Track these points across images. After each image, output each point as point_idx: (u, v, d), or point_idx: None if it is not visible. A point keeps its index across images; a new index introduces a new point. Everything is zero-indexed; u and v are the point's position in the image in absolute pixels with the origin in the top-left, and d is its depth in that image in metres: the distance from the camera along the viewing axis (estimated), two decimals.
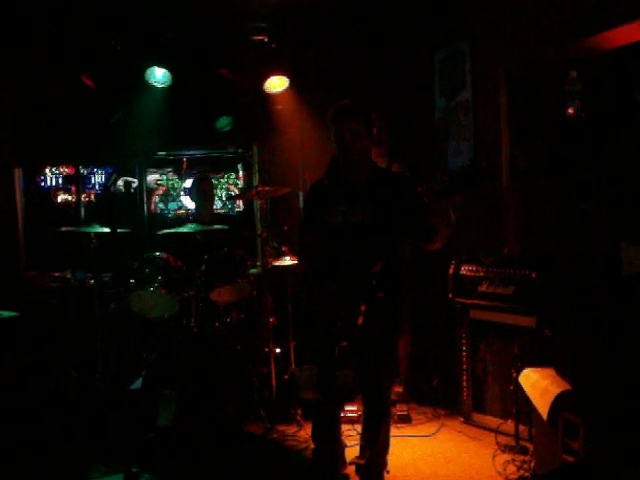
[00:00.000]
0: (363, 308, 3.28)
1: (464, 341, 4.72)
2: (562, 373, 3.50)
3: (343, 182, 3.44)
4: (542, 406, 3.47)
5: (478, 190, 3.43)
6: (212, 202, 5.83)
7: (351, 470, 3.82)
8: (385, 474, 3.74)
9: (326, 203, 3.53)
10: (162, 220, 6.56)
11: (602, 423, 3.13)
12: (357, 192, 3.45)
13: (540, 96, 4.46)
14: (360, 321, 3.29)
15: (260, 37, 5.88)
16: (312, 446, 4.31)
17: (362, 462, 3.65)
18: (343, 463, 3.86)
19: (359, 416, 4.60)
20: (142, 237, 5.76)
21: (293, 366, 5.15)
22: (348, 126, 3.44)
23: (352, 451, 3.95)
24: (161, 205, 6.73)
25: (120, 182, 4.74)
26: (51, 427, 4.50)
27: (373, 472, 3.65)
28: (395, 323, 3.65)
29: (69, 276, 5.37)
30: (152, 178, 6.71)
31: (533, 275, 4.22)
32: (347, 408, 4.66)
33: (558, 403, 3.36)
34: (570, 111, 3.91)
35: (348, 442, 4.20)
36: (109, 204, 5.00)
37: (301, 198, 6.01)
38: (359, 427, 3.88)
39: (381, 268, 3.35)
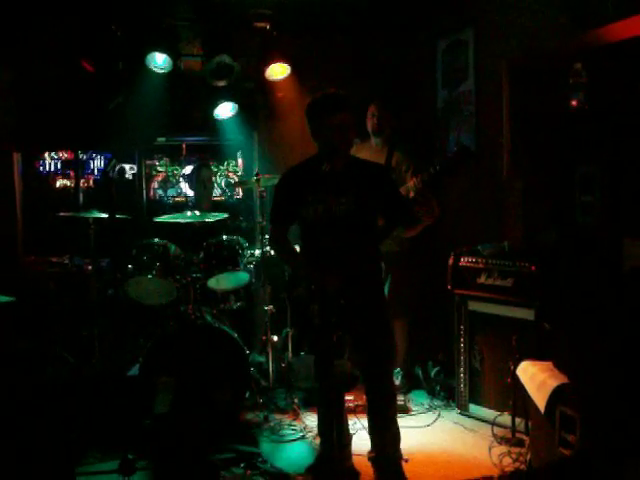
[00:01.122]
0: (356, 295, 3.30)
1: (462, 333, 4.71)
2: (560, 366, 3.50)
3: (320, 171, 3.37)
4: (539, 399, 3.47)
5: (477, 175, 3.43)
6: (211, 190, 5.82)
7: (358, 461, 3.82)
8: (403, 463, 3.71)
9: (304, 193, 3.50)
10: (161, 206, 6.53)
11: (599, 417, 3.13)
12: (337, 181, 3.40)
13: (544, 87, 4.44)
14: (353, 307, 3.32)
15: (262, 24, 5.83)
16: (308, 435, 4.34)
17: (377, 454, 3.66)
18: (350, 455, 3.84)
19: (356, 406, 4.61)
20: (141, 223, 5.72)
21: (290, 354, 5.15)
22: (340, 118, 3.41)
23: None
24: (160, 191, 6.71)
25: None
26: (46, 413, 4.48)
27: (391, 462, 3.66)
28: (384, 302, 3.72)
29: (67, 261, 5.35)
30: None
31: (532, 268, 4.21)
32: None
33: (555, 396, 3.36)
34: (574, 103, 3.88)
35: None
36: (108, 190, 4.98)
37: None
38: (359, 417, 3.87)
39: (368, 254, 3.42)
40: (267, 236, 5.20)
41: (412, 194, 3.99)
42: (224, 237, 4.99)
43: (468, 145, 5.00)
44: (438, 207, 3.41)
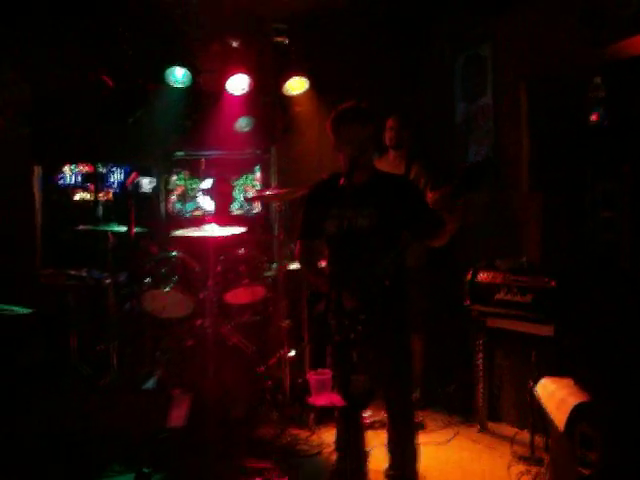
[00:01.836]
0: (377, 310, 3.28)
1: (480, 348, 4.66)
2: (580, 384, 3.44)
3: (345, 185, 3.37)
4: (559, 417, 3.41)
5: (497, 190, 3.41)
6: (230, 204, 5.83)
7: (375, 478, 3.78)
8: None
9: (328, 207, 3.49)
10: (179, 220, 6.55)
11: (620, 436, 3.08)
12: (361, 195, 3.39)
13: (562, 102, 4.41)
14: (374, 323, 3.28)
15: (280, 39, 5.86)
16: (324, 451, 4.30)
17: (394, 473, 3.62)
18: (367, 471, 3.80)
19: (373, 422, 4.58)
20: (159, 237, 5.74)
21: (307, 370, 5.12)
22: (355, 130, 3.40)
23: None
24: (178, 205, 6.73)
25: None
26: (63, 426, 4.49)
27: None
28: (405, 321, 3.65)
29: (85, 274, 5.37)
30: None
31: (552, 283, 4.15)
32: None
33: (575, 414, 3.30)
34: (594, 118, 3.85)
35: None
36: (127, 203, 5.01)
37: None
38: (376, 432, 3.82)
39: (389, 269, 3.35)
40: (284, 250, 5.21)
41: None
42: (241, 251, 4.99)
43: (488, 157, 4.98)
44: (463, 212, 3.38)
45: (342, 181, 3.25)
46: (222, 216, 5.59)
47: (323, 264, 3.79)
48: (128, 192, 4.14)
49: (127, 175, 6.15)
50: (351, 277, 3.32)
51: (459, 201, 3.28)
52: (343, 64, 6.29)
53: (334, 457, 3.88)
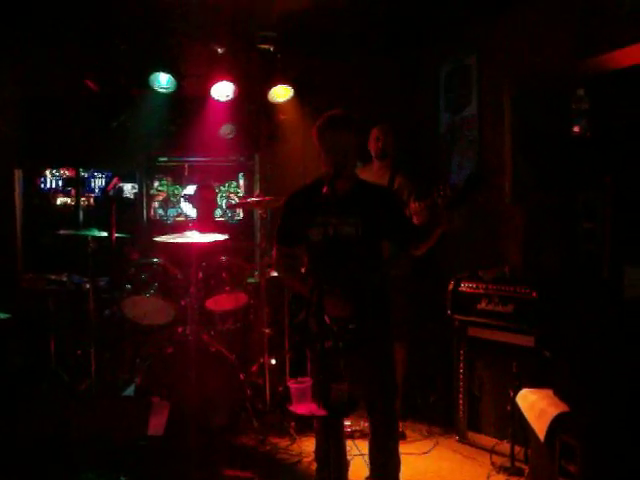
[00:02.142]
0: (360, 319, 3.27)
1: (461, 359, 4.67)
2: (560, 395, 3.46)
3: (328, 193, 3.37)
4: (539, 427, 3.42)
5: (479, 200, 3.44)
6: (213, 210, 5.81)
7: None
8: None
9: (311, 214, 3.47)
10: (161, 226, 6.51)
11: (600, 447, 3.09)
12: (345, 203, 3.39)
13: (546, 113, 4.44)
14: (357, 333, 3.27)
15: (266, 46, 5.86)
16: (304, 460, 4.28)
17: None
18: None
19: (354, 431, 4.57)
20: (140, 242, 5.70)
21: (288, 378, 5.09)
22: (340, 138, 3.38)
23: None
24: (160, 211, 6.69)
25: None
26: (40, 433, 4.44)
27: None
28: (389, 331, 3.62)
29: (65, 279, 5.32)
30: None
31: (533, 294, 4.18)
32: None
33: (556, 425, 3.32)
34: (576, 129, 3.88)
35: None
36: (108, 208, 4.98)
37: None
38: (356, 442, 3.80)
39: (373, 277, 3.37)
40: (266, 257, 5.19)
41: (414, 218, 3.98)
42: (223, 258, 4.96)
43: (477, 172, 5.01)
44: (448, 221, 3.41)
45: (325, 189, 3.25)
46: (204, 223, 5.56)
47: (302, 270, 3.77)
48: (109, 197, 4.10)
49: (108, 180, 6.11)
50: (337, 285, 3.31)
51: (449, 214, 3.31)
52: (328, 73, 6.31)
53: (314, 466, 3.86)
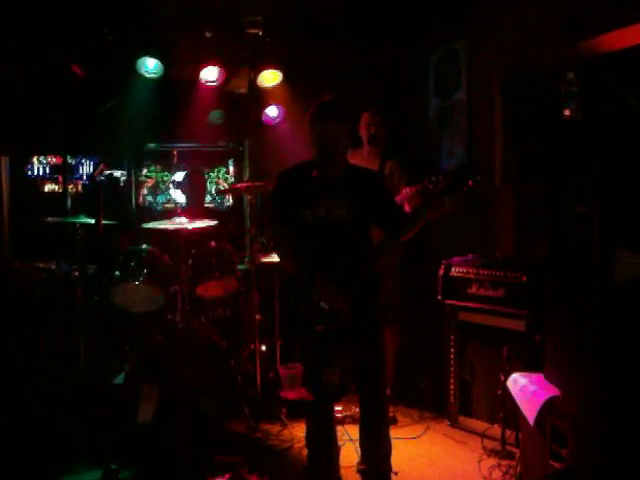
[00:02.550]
0: (351, 304, 3.26)
1: (452, 343, 4.67)
2: (551, 378, 3.46)
3: (320, 177, 3.37)
4: (530, 411, 3.43)
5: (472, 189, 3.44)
6: (203, 197, 5.78)
7: (346, 473, 3.76)
8: (393, 476, 3.65)
9: (302, 195, 3.45)
10: (150, 213, 6.47)
11: (590, 430, 3.10)
12: (337, 187, 3.40)
13: (536, 97, 4.42)
14: (347, 317, 3.26)
15: (254, 30, 5.79)
16: (295, 446, 4.28)
17: (367, 467, 3.58)
18: (338, 466, 3.77)
19: (345, 416, 4.57)
20: (129, 229, 5.66)
21: (279, 364, 5.09)
22: (332, 128, 3.37)
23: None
24: (149, 198, 6.65)
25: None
26: (30, 421, 4.42)
27: (380, 476, 3.58)
28: (378, 316, 3.64)
29: (53, 267, 5.28)
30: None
31: (524, 278, 4.18)
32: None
33: (546, 409, 3.33)
34: (567, 113, 3.86)
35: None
36: (95, 195, 4.93)
37: None
38: (347, 427, 3.80)
39: (364, 261, 3.34)
40: (255, 244, 5.17)
41: (405, 204, 3.97)
42: (213, 244, 4.94)
43: (470, 162, 5.01)
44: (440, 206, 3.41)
45: (314, 173, 3.23)
46: (194, 209, 5.52)
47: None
48: (97, 183, 4.06)
49: (95, 166, 6.06)
50: (330, 267, 3.30)
51: (441, 199, 3.31)
52: (317, 58, 6.26)
53: (305, 452, 3.86)
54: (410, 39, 6.09)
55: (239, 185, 5.30)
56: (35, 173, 6.33)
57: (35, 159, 6.33)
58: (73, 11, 5.48)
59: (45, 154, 6.33)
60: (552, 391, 3.36)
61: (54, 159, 6.37)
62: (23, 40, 5.70)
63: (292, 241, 3.58)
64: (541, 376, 3.56)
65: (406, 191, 4.26)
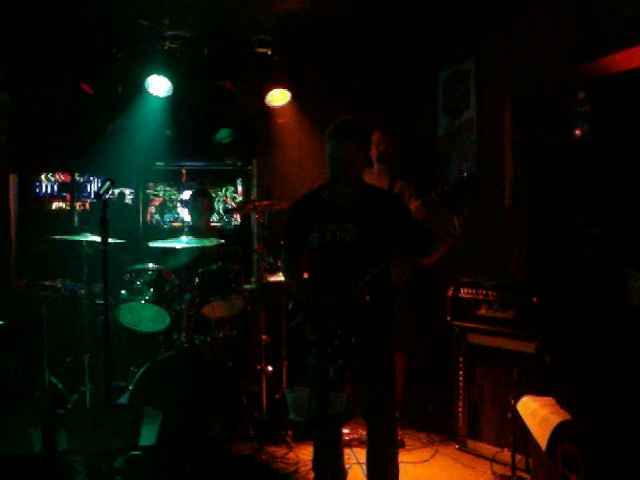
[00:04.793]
0: (357, 327, 3.21)
1: (461, 365, 4.61)
2: (562, 402, 3.40)
3: (332, 200, 3.35)
4: (541, 436, 3.36)
5: (479, 204, 3.38)
6: (209, 216, 5.77)
7: None
8: None
9: (312, 220, 3.44)
10: (157, 231, 6.46)
11: (603, 456, 3.03)
12: (346, 210, 3.39)
13: (546, 117, 4.39)
14: (354, 340, 3.20)
15: (263, 50, 5.82)
16: (301, 469, 4.21)
17: None
18: None
19: (351, 439, 4.50)
20: (136, 248, 5.65)
21: (285, 385, 5.03)
22: (347, 147, 3.36)
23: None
24: (157, 216, 6.64)
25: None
26: (30, 440, 4.37)
27: None
28: (390, 340, 3.56)
29: (60, 285, 5.25)
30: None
31: (534, 300, 4.12)
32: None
33: (557, 433, 3.26)
34: (577, 133, 3.83)
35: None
36: (103, 213, 4.91)
37: None
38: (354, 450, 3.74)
39: (372, 285, 3.27)
40: (263, 263, 5.14)
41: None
42: (220, 264, 4.90)
43: (470, 174, 4.96)
44: (456, 223, 3.33)
45: (324, 194, 3.22)
46: (201, 228, 5.52)
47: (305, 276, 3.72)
48: (104, 202, 4.04)
49: (102, 184, 6.05)
50: (331, 291, 3.26)
51: (445, 213, 3.25)
52: (326, 77, 6.28)
53: (311, 475, 3.79)
54: (419, 58, 6.09)
55: (249, 205, 5.28)
56: (43, 191, 6.33)
57: (43, 177, 6.33)
58: (82, 29, 5.51)
59: (53, 172, 6.33)
60: (564, 415, 3.30)
61: (62, 177, 6.37)
62: (32, 58, 5.72)
63: (300, 268, 3.58)
64: (553, 400, 3.50)
65: (413, 205, 4.25)
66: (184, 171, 6.64)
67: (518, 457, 4.08)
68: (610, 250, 3.24)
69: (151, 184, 6.61)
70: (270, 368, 5.04)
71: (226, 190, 6.77)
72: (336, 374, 3.19)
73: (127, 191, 6.49)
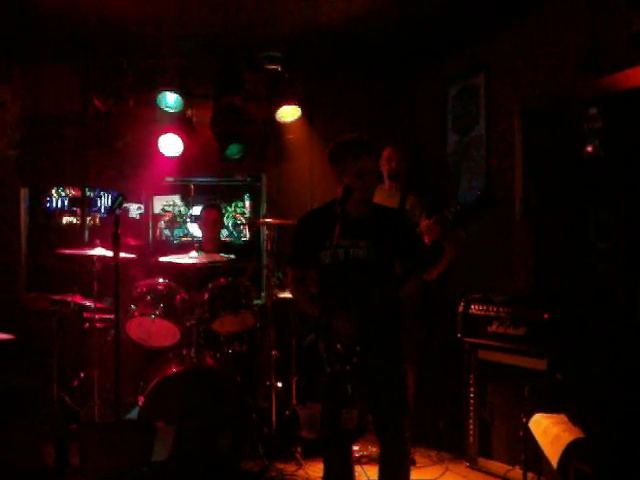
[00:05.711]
0: (373, 343, 3.20)
1: (472, 382, 4.58)
2: (575, 420, 3.37)
3: (345, 216, 3.35)
4: (553, 454, 3.34)
5: (489, 219, 3.37)
6: (219, 231, 5.78)
7: None
8: None
9: (323, 236, 3.42)
10: (167, 246, 6.47)
11: (616, 474, 3.00)
12: (358, 227, 3.39)
13: (557, 133, 4.39)
14: (370, 357, 3.19)
15: (273, 66, 5.85)
16: None
17: None
18: None
19: (361, 456, 4.48)
20: (146, 263, 5.65)
21: (295, 401, 5.01)
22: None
23: None
24: (166, 231, 6.65)
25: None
26: (41, 454, 4.37)
27: None
28: (400, 353, 3.55)
29: (69, 299, 5.26)
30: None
31: (545, 316, 4.09)
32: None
33: (570, 452, 3.23)
34: (589, 149, 3.83)
35: None
36: (113, 228, 4.93)
37: None
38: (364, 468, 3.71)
39: (384, 301, 3.29)
40: (273, 278, 5.14)
41: (425, 236, 3.91)
42: (229, 279, 4.90)
43: (483, 193, 4.96)
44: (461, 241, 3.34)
45: (337, 210, 3.23)
46: (210, 243, 5.52)
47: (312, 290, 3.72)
48: (115, 217, 4.06)
49: (114, 200, 6.08)
50: (345, 308, 3.25)
51: (458, 231, 3.25)
52: (335, 93, 6.31)
53: None
54: (429, 74, 6.11)
55: (261, 220, 5.29)
56: (54, 205, 6.36)
57: (54, 191, 6.36)
58: (94, 44, 5.55)
59: (64, 186, 6.36)
60: (576, 433, 3.27)
61: (73, 192, 6.40)
62: (43, 72, 5.77)
63: (307, 284, 3.58)
64: (564, 417, 3.47)
65: (425, 223, 4.23)
66: (193, 186, 6.66)
67: (530, 475, 4.04)
68: (620, 265, 3.22)
69: (160, 199, 6.62)
70: (280, 384, 5.03)
71: (235, 205, 6.78)
72: (348, 391, 3.18)
73: (136, 206, 6.51)
